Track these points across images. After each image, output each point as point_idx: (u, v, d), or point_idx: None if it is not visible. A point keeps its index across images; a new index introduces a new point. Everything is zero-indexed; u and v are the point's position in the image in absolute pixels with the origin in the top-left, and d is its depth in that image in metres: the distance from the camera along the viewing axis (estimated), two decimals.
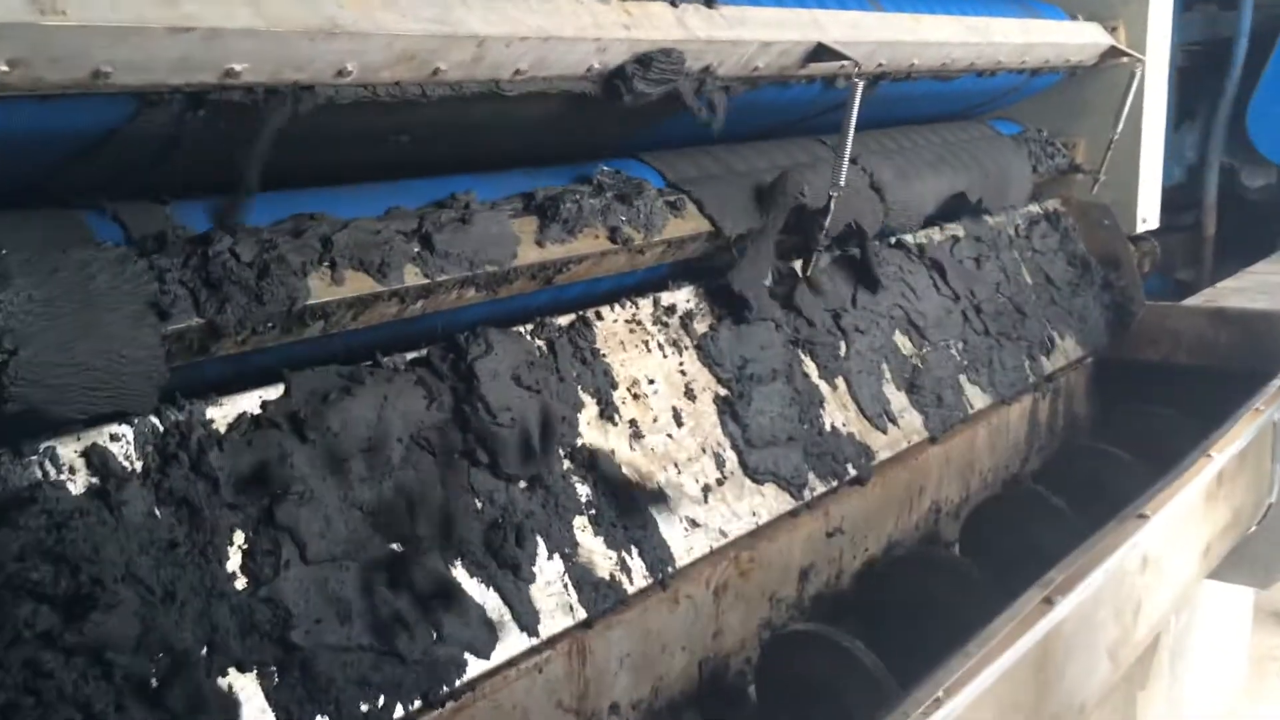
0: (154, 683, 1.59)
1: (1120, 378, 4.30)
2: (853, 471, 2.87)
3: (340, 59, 1.76)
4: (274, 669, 1.73)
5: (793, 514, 2.71)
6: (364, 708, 1.79)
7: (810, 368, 2.91)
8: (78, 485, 1.64)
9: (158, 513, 1.69)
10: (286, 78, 1.72)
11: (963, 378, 3.43)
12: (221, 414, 1.83)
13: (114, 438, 1.70)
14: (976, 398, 3.46)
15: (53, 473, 1.62)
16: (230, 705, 1.66)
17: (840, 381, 2.98)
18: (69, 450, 1.65)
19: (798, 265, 2.98)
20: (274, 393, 1.91)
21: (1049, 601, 2.31)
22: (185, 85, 1.61)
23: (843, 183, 2.76)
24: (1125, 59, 4.08)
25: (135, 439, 1.72)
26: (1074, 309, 4.12)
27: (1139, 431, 3.87)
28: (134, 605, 1.58)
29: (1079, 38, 3.98)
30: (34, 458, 1.60)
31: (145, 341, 1.65)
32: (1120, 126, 4.07)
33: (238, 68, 1.64)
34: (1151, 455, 3.43)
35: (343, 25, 1.72)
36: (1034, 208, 4.21)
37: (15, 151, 1.60)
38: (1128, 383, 4.26)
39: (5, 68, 1.39)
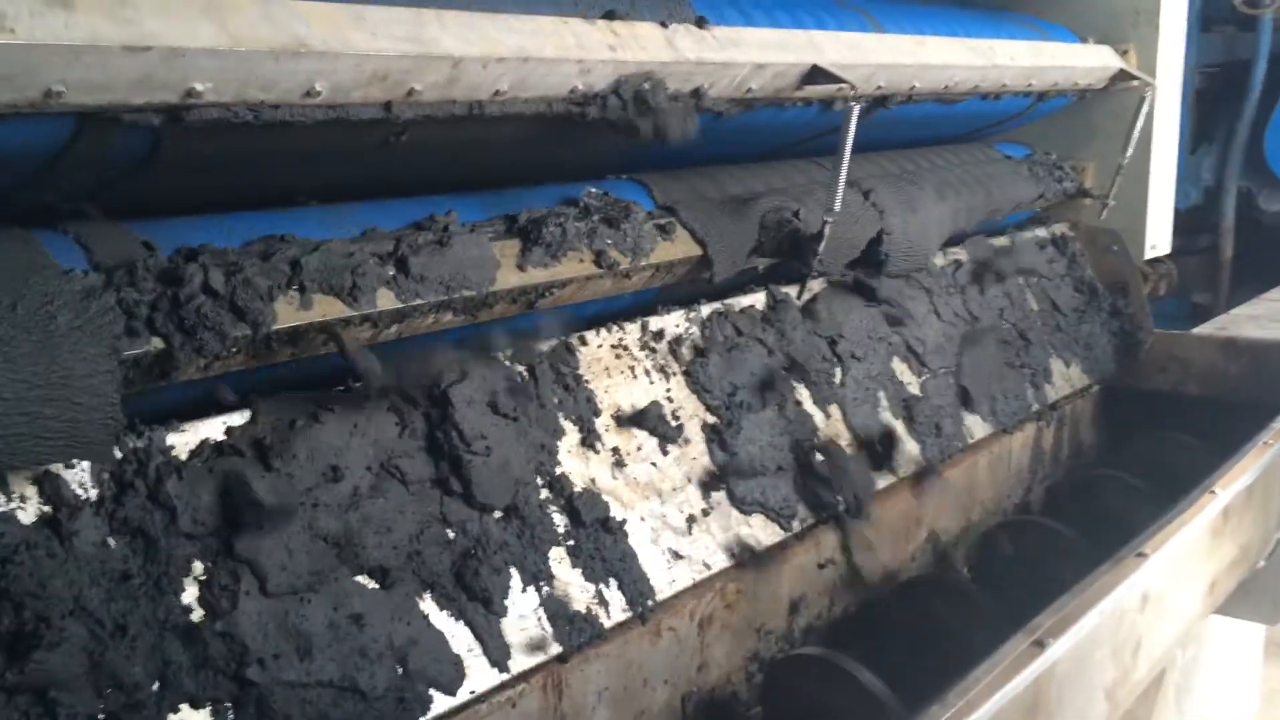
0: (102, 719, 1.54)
1: (1128, 407, 4.22)
2: (844, 503, 2.80)
3: (309, 79, 1.71)
4: (229, 705, 1.68)
5: (782, 546, 2.64)
6: None
7: (804, 395, 2.85)
8: (29, 514, 1.59)
9: (111, 543, 1.64)
10: (252, 98, 1.67)
11: (963, 406, 3.36)
12: (183, 441, 1.78)
13: (68, 465, 1.66)
14: (977, 426, 3.39)
15: (2, 500, 1.58)
16: None
17: (835, 409, 2.92)
18: (20, 477, 1.61)
19: (793, 290, 2.92)
20: (240, 419, 1.86)
21: (1039, 644, 2.25)
22: (145, 105, 1.57)
23: (837, 207, 2.70)
24: (1136, 82, 4.01)
25: (91, 467, 1.67)
26: (1080, 336, 4.05)
27: (1151, 458, 3.80)
28: (82, 641, 1.54)
29: (1088, 61, 3.91)
30: None
31: (104, 389, 1.59)
32: (1130, 151, 4.00)
33: (200, 87, 1.60)
34: (1164, 482, 3.38)
35: (310, 45, 1.68)
36: (1041, 232, 4.15)
37: None
38: (1136, 412, 4.18)
39: None
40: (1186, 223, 4.94)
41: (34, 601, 1.49)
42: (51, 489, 1.62)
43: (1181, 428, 3.91)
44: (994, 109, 3.78)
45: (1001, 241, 3.89)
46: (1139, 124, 3.95)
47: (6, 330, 1.52)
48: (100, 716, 1.54)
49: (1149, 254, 4.34)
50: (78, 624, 1.55)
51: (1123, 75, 4.03)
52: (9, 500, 1.58)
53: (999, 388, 3.52)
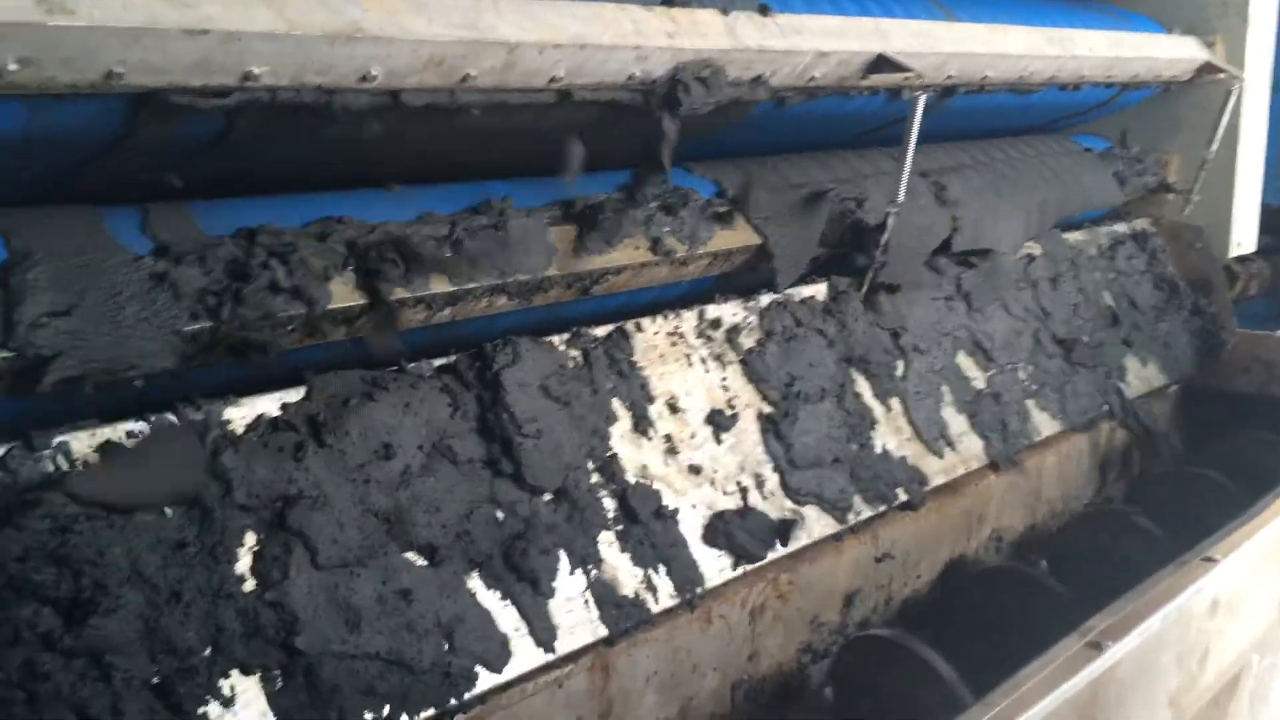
0: (155, 681, 1.59)
1: (1208, 408, 4.09)
2: (903, 496, 2.77)
3: (364, 64, 1.74)
4: (277, 673, 1.72)
5: (837, 538, 2.62)
6: (369, 717, 1.78)
7: (864, 387, 2.83)
8: None
9: (168, 512, 1.69)
10: (308, 81, 1.71)
11: (1030, 403, 3.30)
12: (240, 415, 1.83)
13: (130, 435, 1.72)
14: (1045, 424, 3.33)
15: (65, 466, 1.64)
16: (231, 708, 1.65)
17: (895, 403, 2.89)
18: (82, 445, 1.67)
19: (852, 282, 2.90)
20: (295, 395, 1.91)
21: (1095, 646, 2.20)
22: (203, 87, 1.61)
23: (901, 198, 2.67)
24: (1223, 75, 3.89)
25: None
26: (1159, 334, 3.94)
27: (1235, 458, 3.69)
28: (137, 608, 1.58)
29: (1173, 52, 3.80)
30: (46, 452, 1.62)
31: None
32: (1216, 145, 3.88)
33: (257, 70, 1.64)
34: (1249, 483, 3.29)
35: (366, 29, 1.71)
36: (1120, 227, 4.04)
37: (36, 149, 1.62)
38: (1216, 413, 4.06)
39: (15, 66, 1.40)
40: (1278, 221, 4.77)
41: (92, 569, 1.54)
42: None
43: (1266, 429, 3.79)
44: (1072, 100, 3.70)
45: (1078, 236, 3.80)
46: (1225, 118, 3.83)
47: (76, 324, 1.58)
48: (154, 680, 1.60)
49: (1234, 251, 4.21)
50: (134, 591, 1.60)
51: (1209, 68, 3.91)
52: (71, 467, 1.64)
53: (1070, 385, 3.45)
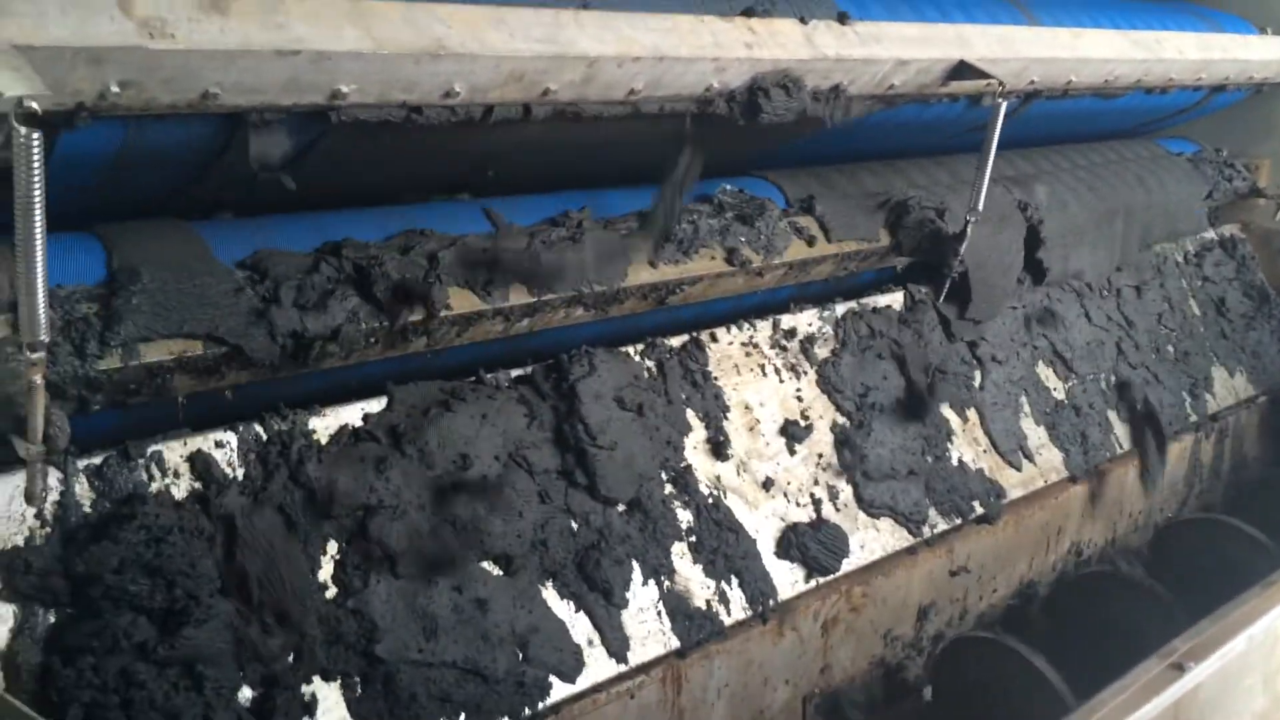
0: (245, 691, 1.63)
1: None
2: (980, 509, 2.74)
3: (448, 80, 1.77)
4: (357, 680, 1.76)
5: (911, 550, 2.60)
6: None
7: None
8: (181, 490, 1.70)
9: (255, 520, 1.73)
10: (394, 98, 1.74)
11: (1112, 414, 3.24)
12: (324, 425, 1.87)
13: (219, 444, 1.76)
14: (1127, 436, 3.26)
15: (158, 477, 1.69)
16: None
17: (972, 414, 2.85)
18: (174, 455, 1.72)
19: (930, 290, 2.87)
20: (377, 405, 1.94)
21: (1178, 668, 2.16)
22: (294, 106, 1.65)
23: (980, 206, 2.64)
24: None
25: (239, 446, 1.77)
26: (1248, 344, 3.84)
27: None
28: (228, 617, 1.62)
29: (1266, 53, 3.70)
30: (140, 461, 1.67)
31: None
32: None
33: (345, 89, 1.67)
34: None
35: (449, 47, 1.73)
36: (1208, 233, 3.95)
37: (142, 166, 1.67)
38: None
39: (117, 89, 1.44)
40: None
41: (184, 580, 1.59)
42: (203, 466, 1.72)
43: None
44: (1159, 103, 3.61)
45: (1164, 243, 3.72)
46: None
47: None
48: (243, 688, 1.64)
49: None
50: (225, 601, 1.64)
51: None
52: (164, 476, 1.69)
53: (1154, 396, 3.37)
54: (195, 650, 1.56)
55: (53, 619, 1.52)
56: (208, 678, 1.57)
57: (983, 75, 2.58)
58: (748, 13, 2.24)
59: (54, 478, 1.58)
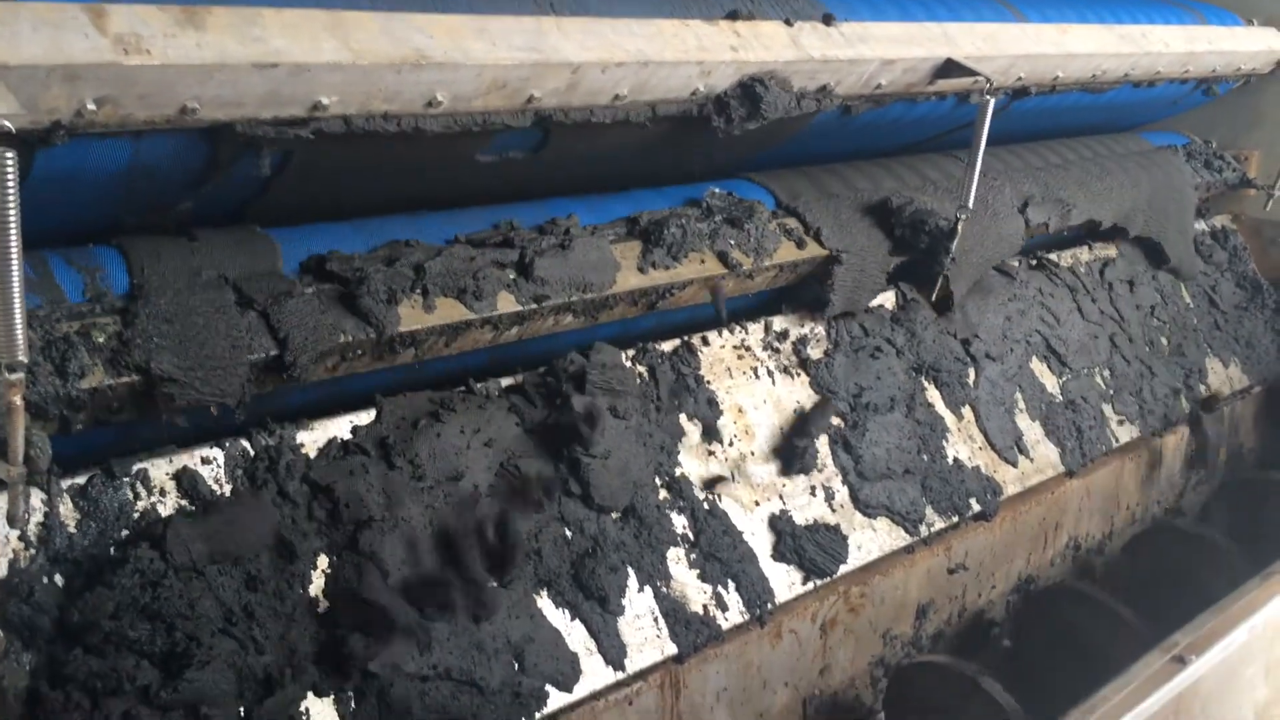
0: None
1: None
2: (976, 507, 2.73)
3: (429, 89, 1.76)
4: (350, 695, 1.74)
5: (908, 550, 2.59)
6: None
7: (934, 396, 2.79)
8: (167, 507, 1.68)
9: None
10: (375, 109, 1.73)
11: (1107, 408, 3.23)
12: (311, 438, 1.86)
13: (205, 460, 1.75)
14: (1123, 430, 3.25)
15: (144, 494, 1.67)
16: None
17: (967, 411, 2.84)
18: (160, 472, 1.70)
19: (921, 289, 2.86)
20: (365, 418, 1.93)
21: (1180, 660, 2.15)
22: (274, 119, 1.64)
23: (970, 203, 2.63)
24: None
25: (225, 462, 1.76)
26: (1241, 334, 3.83)
27: None
28: (229, 651, 1.60)
29: (1252, 44, 3.69)
30: (126, 479, 1.66)
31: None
32: None
33: (325, 101, 1.66)
34: None
35: (431, 56, 1.72)
36: (1200, 225, 3.94)
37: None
38: None
39: (93, 106, 1.43)
40: None
41: (184, 622, 1.56)
42: (189, 484, 1.71)
43: None
44: (1147, 97, 3.61)
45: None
46: None
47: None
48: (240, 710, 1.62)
49: None
50: (227, 640, 1.61)
51: None
52: (150, 494, 1.68)
53: (1148, 388, 3.37)
54: (198, 694, 1.54)
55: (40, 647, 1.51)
56: (212, 718, 1.55)
57: (970, 73, 2.57)
58: (732, 15, 2.23)
59: (37, 499, 1.56)
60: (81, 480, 1.62)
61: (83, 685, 1.48)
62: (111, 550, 1.58)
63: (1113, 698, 2.00)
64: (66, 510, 1.59)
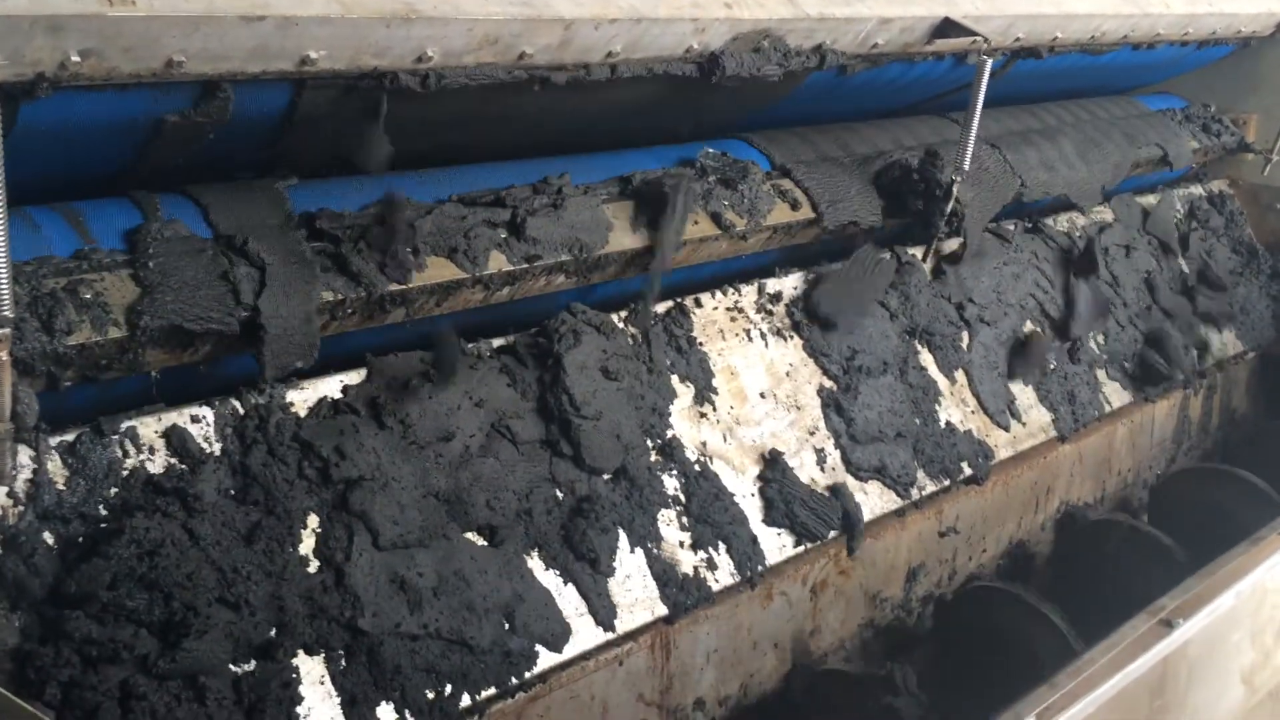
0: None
1: None
2: (968, 470, 2.73)
3: (420, 45, 1.73)
4: (341, 653, 1.74)
5: (899, 513, 2.59)
6: (430, 695, 1.79)
7: (927, 360, 2.78)
8: (156, 465, 1.68)
9: (233, 495, 1.71)
10: (365, 64, 1.71)
11: (1101, 373, 3.23)
12: (302, 398, 1.85)
13: (194, 419, 1.74)
14: (1115, 394, 3.25)
15: (133, 452, 1.67)
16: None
17: (960, 375, 2.84)
18: (149, 430, 1.69)
19: (918, 251, 2.84)
20: (356, 377, 1.92)
21: (1167, 624, 2.16)
22: (262, 73, 1.61)
23: (967, 166, 2.61)
24: None
25: (215, 421, 1.75)
26: (1236, 300, 3.82)
27: None
28: (224, 621, 1.60)
29: (1253, 6, 3.66)
30: (114, 437, 1.65)
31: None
32: None
33: (314, 55, 1.64)
34: None
35: (421, 10, 1.70)
36: (1196, 189, 3.92)
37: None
38: None
39: (77, 58, 1.41)
40: None
41: (182, 592, 1.55)
42: (179, 442, 1.70)
43: None
44: (1147, 59, 3.58)
45: (1151, 200, 3.69)
46: None
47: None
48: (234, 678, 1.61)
49: None
50: (225, 610, 1.61)
51: None
52: (139, 452, 1.67)
53: (1142, 354, 3.36)
54: (196, 663, 1.54)
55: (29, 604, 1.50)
56: (210, 689, 1.55)
57: (968, 33, 2.54)
58: None
59: (25, 455, 1.55)
60: (70, 438, 1.61)
61: (78, 650, 1.48)
62: (102, 510, 1.57)
63: (1099, 659, 2.01)
64: (55, 467, 1.58)
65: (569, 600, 2.00)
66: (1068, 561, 3.09)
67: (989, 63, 2.53)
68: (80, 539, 1.55)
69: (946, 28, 2.56)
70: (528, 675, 1.91)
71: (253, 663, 1.64)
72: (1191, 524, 3.09)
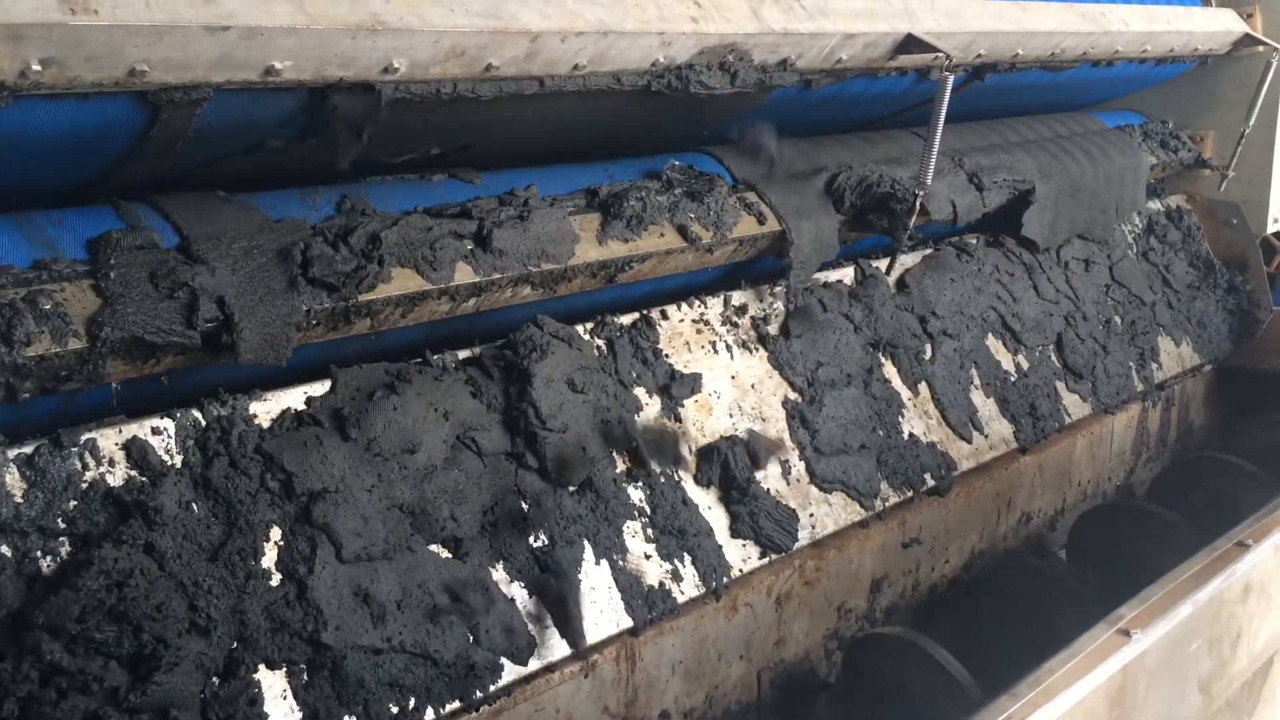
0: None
1: (1244, 388, 4.04)
2: (931, 482, 2.75)
3: (386, 56, 1.73)
4: (303, 668, 1.73)
5: (863, 524, 2.61)
6: (394, 709, 1.78)
7: (890, 372, 2.80)
8: (116, 478, 1.66)
9: (195, 508, 1.70)
10: (330, 75, 1.70)
11: (1061, 385, 3.27)
12: (265, 409, 1.84)
13: (155, 431, 1.72)
14: (1076, 406, 3.29)
15: (92, 465, 1.65)
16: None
17: (923, 387, 2.86)
18: (109, 443, 1.67)
19: (882, 264, 2.87)
20: (320, 389, 1.91)
21: (1125, 634, 2.19)
22: (226, 84, 1.60)
23: (929, 180, 2.64)
24: (1261, 48, 3.81)
25: (176, 433, 1.73)
26: (1193, 313, 3.89)
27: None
28: (194, 652, 1.58)
29: (1209, 25, 3.73)
30: (74, 449, 1.63)
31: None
32: (1253, 119, 3.81)
33: (279, 65, 1.63)
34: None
35: (387, 22, 1.69)
36: (1154, 204, 3.98)
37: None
38: (1252, 393, 4.01)
39: (38, 67, 1.40)
40: None
41: (151, 624, 1.53)
42: (139, 454, 1.68)
43: None
44: (1106, 76, 3.64)
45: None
46: (1264, 91, 3.75)
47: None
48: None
49: (1271, 228, 4.14)
50: (195, 639, 1.59)
51: (1247, 40, 3.83)
52: (99, 465, 1.65)
53: (1101, 366, 3.41)
54: (167, 696, 1.52)
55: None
56: None
57: (931, 49, 2.57)
58: None
59: None
60: (29, 450, 1.59)
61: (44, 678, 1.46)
62: (60, 524, 1.55)
63: (1058, 669, 2.03)
64: (13, 480, 1.56)
65: (534, 612, 1.99)
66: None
67: (950, 78, 2.56)
68: (39, 554, 1.53)
69: (909, 44, 2.59)
70: (492, 688, 1.90)
71: (216, 680, 1.62)
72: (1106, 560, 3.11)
